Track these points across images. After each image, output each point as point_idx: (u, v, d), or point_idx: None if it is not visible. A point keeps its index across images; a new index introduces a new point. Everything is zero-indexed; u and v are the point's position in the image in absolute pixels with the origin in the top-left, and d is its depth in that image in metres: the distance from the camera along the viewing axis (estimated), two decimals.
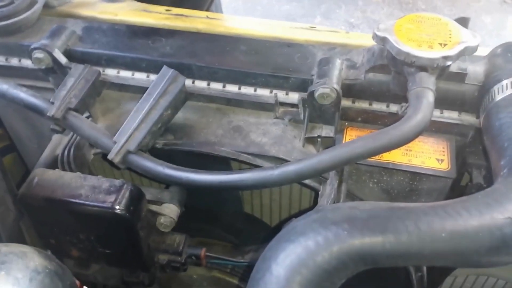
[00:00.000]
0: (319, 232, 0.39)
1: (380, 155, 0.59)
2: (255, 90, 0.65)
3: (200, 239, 0.78)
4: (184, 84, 0.61)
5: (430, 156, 0.58)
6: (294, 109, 0.64)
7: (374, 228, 0.38)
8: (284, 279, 0.39)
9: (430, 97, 0.50)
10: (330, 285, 0.40)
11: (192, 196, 0.69)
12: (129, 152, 0.59)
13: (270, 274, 0.40)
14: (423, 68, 0.53)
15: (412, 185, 0.61)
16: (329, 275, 0.39)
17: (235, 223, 0.79)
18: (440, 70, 0.53)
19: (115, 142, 0.60)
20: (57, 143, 0.73)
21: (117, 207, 0.58)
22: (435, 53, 0.51)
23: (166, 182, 0.60)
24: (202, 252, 0.66)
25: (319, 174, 0.53)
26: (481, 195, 0.40)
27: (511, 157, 0.43)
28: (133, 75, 0.68)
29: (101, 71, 0.68)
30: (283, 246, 0.40)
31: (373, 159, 0.59)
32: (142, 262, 0.65)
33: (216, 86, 0.66)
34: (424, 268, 0.65)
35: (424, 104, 0.49)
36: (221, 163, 0.65)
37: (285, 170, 0.52)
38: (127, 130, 0.60)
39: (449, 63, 0.52)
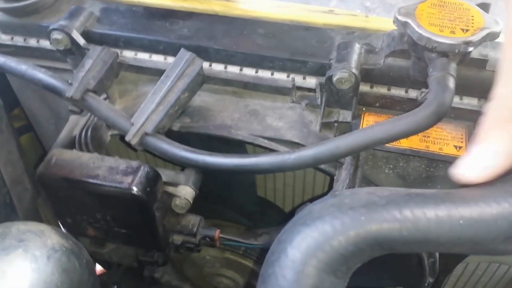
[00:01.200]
0: (336, 216, 0.39)
1: (398, 141, 0.59)
2: (272, 74, 0.65)
3: (213, 221, 0.79)
4: (202, 67, 0.61)
5: (448, 142, 0.58)
6: (311, 94, 0.64)
7: (392, 214, 0.38)
8: (300, 262, 0.39)
9: (451, 83, 0.50)
10: (346, 270, 0.40)
11: (206, 178, 0.70)
12: (146, 134, 0.60)
13: (285, 256, 0.40)
14: (444, 54, 0.52)
15: (428, 171, 0.61)
16: (345, 260, 0.39)
17: (248, 206, 0.79)
18: (461, 56, 0.52)
19: (132, 124, 0.60)
20: (74, 124, 0.73)
21: (134, 188, 0.59)
22: (457, 39, 0.51)
23: (183, 164, 0.60)
24: (216, 233, 0.67)
25: (336, 159, 0.52)
26: (500, 182, 0.39)
27: None
28: (150, 57, 0.68)
29: (118, 53, 0.68)
30: (299, 230, 0.40)
31: (390, 145, 0.59)
32: (157, 242, 0.66)
33: (233, 69, 0.66)
34: (437, 254, 0.65)
35: (444, 90, 0.49)
36: (236, 146, 0.65)
37: (302, 155, 0.52)
38: (144, 112, 0.60)
39: (470, 49, 0.52)
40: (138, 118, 0.60)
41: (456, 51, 0.51)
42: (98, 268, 0.97)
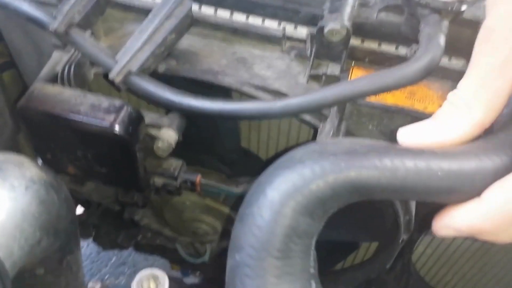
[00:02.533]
0: (316, 161, 0.40)
1: (384, 97, 0.59)
2: (263, 21, 0.63)
3: (196, 167, 0.79)
4: (191, 8, 0.60)
5: (433, 101, 0.58)
6: (301, 44, 0.63)
7: (371, 162, 0.39)
8: (278, 202, 0.39)
9: (441, 39, 0.49)
10: (322, 213, 0.40)
11: (190, 125, 0.69)
12: (131, 72, 0.59)
13: (264, 197, 0.40)
14: (437, 11, 0.52)
15: None
16: (323, 203, 0.39)
17: (231, 156, 0.79)
18: (454, 14, 0.52)
19: (117, 62, 0.59)
20: (58, 61, 0.71)
21: (116, 126, 0.58)
22: None
23: (167, 107, 0.60)
24: (197, 178, 0.67)
25: (322, 109, 0.52)
26: (482, 140, 0.40)
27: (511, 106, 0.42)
28: None
29: None
30: (279, 172, 0.41)
31: (376, 101, 0.59)
32: (137, 183, 0.66)
33: (223, 13, 0.64)
34: (413, 212, 0.66)
35: (434, 46, 0.48)
36: (222, 93, 0.64)
37: (287, 103, 0.52)
38: (130, 50, 0.59)
39: (464, 8, 0.51)
40: (123, 56, 0.59)
41: (449, 9, 0.51)
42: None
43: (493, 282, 1.00)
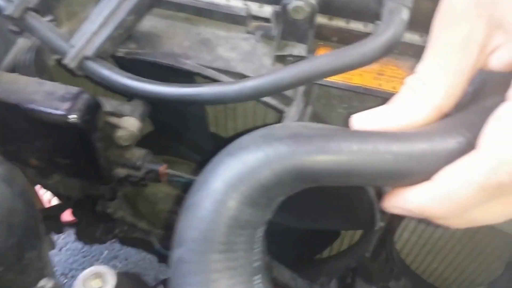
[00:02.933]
0: (260, 146, 0.37)
1: (350, 77, 0.56)
2: (227, 1, 0.60)
3: (166, 157, 0.76)
4: None
5: (402, 81, 0.55)
6: (268, 24, 0.60)
7: (316, 146, 0.36)
8: (220, 192, 0.37)
9: (404, 14, 0.46)
10: (267, 201, 0.38)
11: (159, 113, 0.67)
12: (86, 57, 0.56)
13: (207, 187, 0.38)
14: None
15: None
16: (267, 191, 0.37)
17: (201, 142, 0.76)
18: None
19: (72, 46, 0.57)
20: (22, 48, 0.69)
21: (71, 115, 0.55)
22: None
23: (123, 93, 0.57)
24: (162, 168, 0.64)
25: (279, 91, 0.50)
26: (438, 122, 0.37)
27: (475, 85, 0.39)
28: None
29: None
30: (223, 160, 0.38)
31: (342, 82, 0.56)
32: (100, 175, 0.64)
33: None
34: None
35: (396, 21, 0.46)
36: (186, 77, 0.61)
37: (244, 86, 0.49)
38: (85, 34, 0.56)
39: None
40: (78, 40, 0.56)
41: None
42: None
43: (480, 269, 0.98)
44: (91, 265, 1.92)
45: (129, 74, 0.55)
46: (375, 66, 0.57)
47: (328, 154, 0.35)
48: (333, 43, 0.59)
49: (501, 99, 0.32)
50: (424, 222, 0.84)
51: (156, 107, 0.65)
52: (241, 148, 0.38)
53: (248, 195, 0.36)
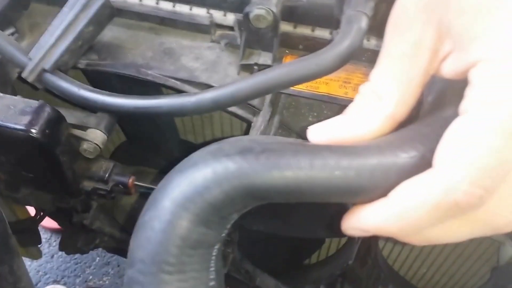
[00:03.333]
0: (209, 164, 0.36)
1: (316, 86, 0.54)
2: (190, 9, 0.59)
3: (140, 167, 0.75)
4: None
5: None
6: (232, 32, 0.59)
7: (265, 163, 0.34)
8: (169, 212, 0.36)
9: (362, 22, 0.45)
10: (219, 220, 0.36)
11: (130, 124, 0.65)
12: (44, 70, 0.55)
13: (155, 206, 0.37)
14: None
15: None
16: (217, 210, 0.35)
17: (173, 151, 0.75)
18: None
19: (30, 59, 0.55)
20: None
21: (32, 129, 0.54)
22: None
23: (82, 105, 0.55)
24: (130, 180, 0.63)
25: (237, 103, 0.48)
26: (393, 134, 0.36)
27: (435, 93, 0.38)
28: None
29: None
30: (173, 177, 0.37)
31: (307, 90, 0.54)
32: (67, 188, 0.62)
33: (149, 2, 0.60)
34: None
35: (353, 30, 0.44)
36: (151, 88, 0.60)
37: (201, 98, 0.48)
38: (43, 47, 0.55)
39: None
40: (36, 53, 0.55)
41: None
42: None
43: (470, 274, 0.96)
44: (83, 272, 1.91)
45: (88, 87, 0.54)
46: (341, 74, 0.55)
47: (276, 171, 0.34)
48: (300, 51, 0.58)
49: (456, 111, 0.30)
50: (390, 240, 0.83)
51: (126, 118, 0.63)
52: (191, 165, 0.36)
53: (197, 214, 0.35)
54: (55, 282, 1.67)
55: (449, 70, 0.31)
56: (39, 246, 1.66)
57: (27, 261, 1.68)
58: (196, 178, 0.35)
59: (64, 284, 1.67)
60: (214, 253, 0.38)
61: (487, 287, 0.87)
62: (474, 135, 0.27)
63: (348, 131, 0.35)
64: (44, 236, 1.73)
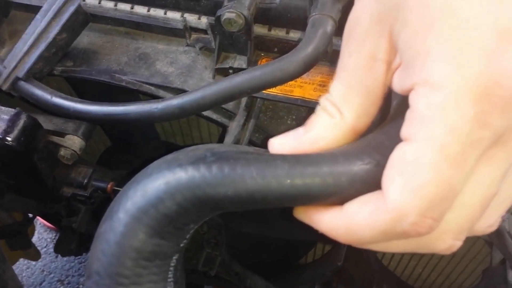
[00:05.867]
0: (163, 174, 0.35)
1: (290, 89, 0.54)
2: (165, 13, 0.58)
3: (123, 172, 0.75)
4: (80, 4, 0.55)
5: None
6: (207, 36, 0.58)
7: (216, 173, 0.34)
8: (123, 224, 0.35)
9: (328, 26, 0.44)
10: (174, 231, 0.36)
11: (114, 129, 0.65)
12: (18, 78, 0.55)
13: (111, 217, 0.36)
14: None
15: None
16: (170, 220, 0.35)
17: (156, 154, 0.75)
18: None
19: (5, 68, 0.55)
20: None
21: (7, 137, 0.54)
22: None
23: (55, 112, 0.55)
24: (109, 185, 0.63)
25: (204, 110, 0.47)
26: (349, 144, 0.35)
27: (398, 97, 0.37)
28: None
29: None
30: (129, 188, 0.37)
31: (282, 94, 0.54)
32: (48, 194, 0.62)
33: (124, 7, 0.59)
34: None
35: (318, 34, 0.43)
36: (129, 94, 0.59)
37: (168, 104, 0.47)
38: (16, 55, 0.55)
39: None
40: (11, 61, 0.55)
41: None
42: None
43: (466, 274, 0.95)
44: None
45: (61, 94, 0.53)
46: (316, 77, 0.54)
47: (228, 181, 0.33)
48: (275, 54, 0.57)
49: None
50: None
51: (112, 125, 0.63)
52: (146, 176, 0.36)
53: (151, 226, 0.35)
54: (59, 281, 1.68)
55: (396, 85, 0.31)
56: (42, 246, 1.67)
57: (31, 262, 1.70)
58: (150, 189, 0.35)
59: (68, 283, 1.68)
60: (172, 264, 0.38)
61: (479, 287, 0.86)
62: (419, 163, 0.26)
63: (308, 144, 0.35)
64: (48, 236, 1.75)
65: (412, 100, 0.27)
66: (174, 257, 0.38)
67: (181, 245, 0.38)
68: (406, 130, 0.27)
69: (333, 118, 0.33)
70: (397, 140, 0.30)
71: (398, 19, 0.28)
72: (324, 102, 0.34)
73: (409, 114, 0.27)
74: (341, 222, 0.31)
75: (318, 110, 0.35)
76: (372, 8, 0.31)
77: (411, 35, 0.27)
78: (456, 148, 0.25)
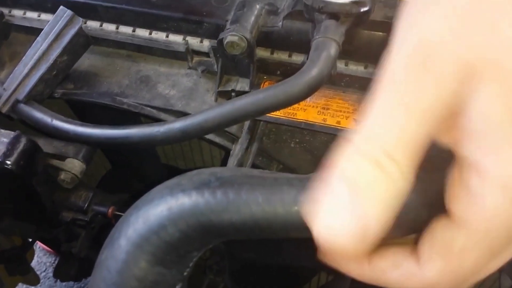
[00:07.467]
0: (165, 200, 0.34)
1: (293, 112, 0.53)
2: (167, 36, 0.58)
3: (124, 195, 0.74)
4: (81, 27, 0.55)
5: (348, 115, 0.52)
6: (209, 59, 0.58)
7: (221, 199, 0.33)
8: (125, 251, 0.34)
9: (332, 49, 0.43)
10: (177, 259, 0.35)
11: (114, 152, 0.64)
12: (18, 101, 0.54)
13: (112, 244, 0.35)
14: (335, 16, 0.46)
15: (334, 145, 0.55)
16: (174, 248, 0.34)
17: (157, 178, 0.74)
18: (354, 18, 0.46)
19: (5, 90, 0.55)
20: None
21: (7, 160, 0.53)
22: None
23: (55, 135, 0.55)
24: (110, 210, 0.62)
25: (207, 133, 0.47)
26: None
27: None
28: (39, 16, 0.62)
29: (7, 12, 0.62)
30: (131, 214, 0.36)
31: (285, 117, 0.53)
32: (47, 219, 0.61)
33: (125, 30, 0.59)
34: None
35: (322, 57, 0.42)
36: (130, 117, 0.59)
37: (171, 128, 0.46)
38: (17, 77, 0.54)
39: (364, 9, 0.45)
40: (11, 84, 0.54)
41: (345, 12, 0.44)
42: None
43: None
44: None
45: (61, 117, 0.53)
46: (320, 100, 0.53)
47: (233, 207, 0.32)
48: (278, 77, 0.56)
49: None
50: None
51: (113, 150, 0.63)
52: (147, 202, 0.35)
53: (153, 254, 0.34)
54: None
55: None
56: (41, 270, 1.65)
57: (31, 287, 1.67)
58: (152, 216, 0.34)
59: None
60: None
61: None
62: (464, 254, 0.25)
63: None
64: (48, 260, 1.73)
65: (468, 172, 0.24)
66: (177, 286, 0.37)
67: (185, 273, 0.37)
68: (457, 207, 0.25)
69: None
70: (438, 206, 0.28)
71: None
72: None
73: (463, 188, 0.24)
74: (371, 275, 0.30)
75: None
76: None
77: None
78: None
